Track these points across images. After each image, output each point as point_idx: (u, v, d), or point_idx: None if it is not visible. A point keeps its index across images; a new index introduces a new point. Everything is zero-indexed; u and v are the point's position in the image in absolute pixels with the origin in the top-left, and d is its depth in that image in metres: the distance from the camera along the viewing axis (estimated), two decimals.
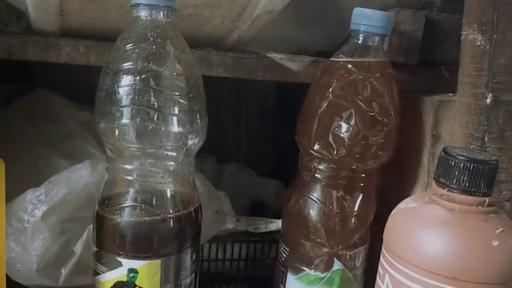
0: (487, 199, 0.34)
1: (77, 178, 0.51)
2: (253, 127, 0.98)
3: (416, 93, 0.51)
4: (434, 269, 0.33)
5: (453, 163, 0.34)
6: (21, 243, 0.49)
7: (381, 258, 0.38)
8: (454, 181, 0.34)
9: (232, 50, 0.53)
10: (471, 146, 0.44)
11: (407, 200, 0.37)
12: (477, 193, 0.34)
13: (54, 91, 0.64)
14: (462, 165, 0.34)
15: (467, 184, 0.34)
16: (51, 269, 0.50)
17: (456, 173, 0.34)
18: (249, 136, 0.98)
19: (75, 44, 0.49)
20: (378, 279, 0.38)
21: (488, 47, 0.42)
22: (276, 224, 0.63)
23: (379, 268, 0.38)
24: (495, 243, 0.32)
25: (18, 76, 0.70)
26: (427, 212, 0.35)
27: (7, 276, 0.48)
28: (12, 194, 0.51)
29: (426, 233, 0.34)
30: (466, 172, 0.33)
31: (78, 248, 0.50)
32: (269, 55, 0.52)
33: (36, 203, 0.49)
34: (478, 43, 0.43)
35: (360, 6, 0.49)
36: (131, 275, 0.42)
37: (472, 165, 0.33)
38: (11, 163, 0.56)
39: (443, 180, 0.35)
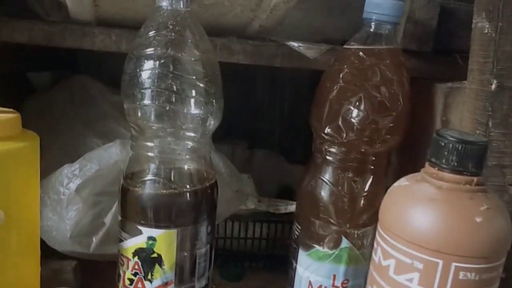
0: (475, 179, 0.35)
1: (108, 156, 0.55)
2: (287, 114, 1.00)
3: (429, 80, 0.52)
4: (418, 241, 0.35)
5: (443, 144, 0.36)
6: (57, 213, 0.54)
7: (376, 234, 0.40)
8: (444, 160, 0.36)
9: (253, 39, 0.56)
10: (477, 131, 0.45)
11: (402, 179, 0.39)
12: (465, 173, 0.35)
13: (93, 76, 0.70)
14: (451, 145, 0.35)
15: (455, 163, 0.35)
16: (83, 237, 0.54)
17: (446, 153, 0.36)
18: (283, 123, 1.00)
19: (108, 32, 0.53)
20: (373, 253, 0.40)
21: (494, 34, 0.44)
22: (295, 206, 0.66)
23: (374, 243, 0.40)
24: (478, 220, 0.34)
25: (61, 63, 0.75)
26: (417, 189, 0.37)
27: (44, 242, 0.54)
28: (52, 167, 0.56)
29: (413, 208, 0.36)
30: (455, 152, 0.35)
31: (108, 219, 0.55)
32: (287, 43, 0.55)
33: (71, 177, 0.54)
34: (486, 31, 0.44)
35: None
36: (150, 242, 0.46)
37: (461, 146, 0.35)
38: (51, 140, 0.61)
39: (434, 160, 0.36)
